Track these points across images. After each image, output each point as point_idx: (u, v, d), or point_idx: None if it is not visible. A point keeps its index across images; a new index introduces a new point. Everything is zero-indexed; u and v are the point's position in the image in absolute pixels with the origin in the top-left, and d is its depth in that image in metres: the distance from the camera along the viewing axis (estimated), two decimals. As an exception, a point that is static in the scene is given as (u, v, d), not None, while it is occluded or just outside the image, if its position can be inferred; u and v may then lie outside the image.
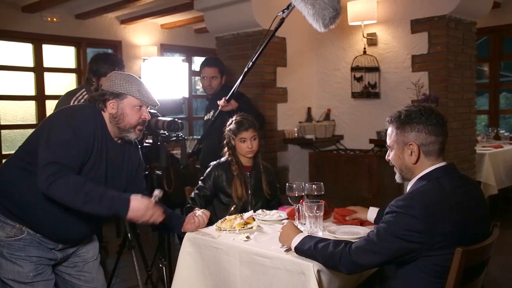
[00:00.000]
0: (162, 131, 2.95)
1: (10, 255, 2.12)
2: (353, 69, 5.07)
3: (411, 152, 1.91)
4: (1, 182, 2.16)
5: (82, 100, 3.08)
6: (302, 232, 2.07)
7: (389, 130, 2.00)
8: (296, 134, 5.28)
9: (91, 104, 2.20)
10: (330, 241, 1.89)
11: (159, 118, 2.92)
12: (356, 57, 5.05)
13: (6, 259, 2.12)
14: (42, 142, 2.03)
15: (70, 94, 3.18)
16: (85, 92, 3.14)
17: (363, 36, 4.95)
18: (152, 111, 2.57)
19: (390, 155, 2.02)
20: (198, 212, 2.43)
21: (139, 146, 2.49)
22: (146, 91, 2.21)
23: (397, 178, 2.05)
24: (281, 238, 2.09)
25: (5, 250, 2.12)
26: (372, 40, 4.98)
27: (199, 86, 8.10)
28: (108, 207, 2.00)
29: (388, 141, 2.01)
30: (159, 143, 2.99)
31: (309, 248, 1.91)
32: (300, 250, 1.96)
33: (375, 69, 4.96)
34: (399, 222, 1.78)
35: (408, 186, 1.99)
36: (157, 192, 2.17)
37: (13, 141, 6.38)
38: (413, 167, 1.93)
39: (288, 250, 2.04)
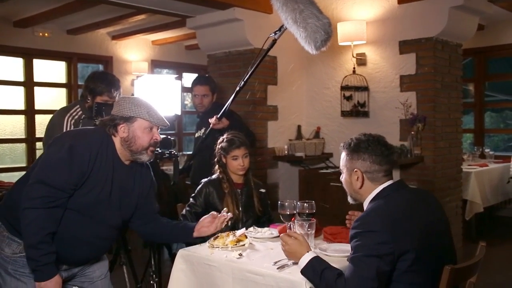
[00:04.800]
0: (155, 148, 2.97)
1: (15, 272, 2.13)
2: (343, 88, 5.14)
3: (357, 178, 2.08)
4: (10, 200, 2.19)
5: (76, 117, 3.09)
6: (308, 251, 2.04)
7: (342, 156, 2.17)
8: (286, 152, 5.32)
9: (101, 129, 2.23)
10: (334, 274, 1.89)
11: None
12: (345, 76, 5.13)
13: (11, 275, 2.13)
14: (42, 156, 2.11)
15: (64, 110, 3.19)
16: (79, 109, 3.15)
17: (353, 56, 5.04)
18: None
19: (342, 178, 2.18)
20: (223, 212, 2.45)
21: None
22: (155, 112, 2.24)
23: (349, 199, 2.21)
24: (288, 254, 2.11)
25: (10, 266, 2.14)
26: (361, 60, 5.07)
27: (188, 102, 8.15)
28: (37, 263, 2.00)
29: (340, 165, 2.19)
30: (151, 160, 3.00)
31: (315, 276, 1.93)
32: (305, 274, 1.97)
33: (364, 89, 5.05)
34: (364, 241, 1.86)
35: (364, 208, 2.11)
36: None
37: (1, 156, 6.34)
38: (360, 191, 2.10)
39: (281, 268, 2.07)
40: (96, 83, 3.13)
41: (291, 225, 2.45)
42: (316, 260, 1.99)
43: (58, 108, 3.36)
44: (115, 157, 2.21)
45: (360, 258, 1.84)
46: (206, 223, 2.43)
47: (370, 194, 2.07)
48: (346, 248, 2.34)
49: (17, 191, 2.17)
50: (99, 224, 2.20)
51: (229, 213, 2.48)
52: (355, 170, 2.08)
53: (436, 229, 1.98)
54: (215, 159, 3.11)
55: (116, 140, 2.22)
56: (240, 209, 3.01)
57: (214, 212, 2.49)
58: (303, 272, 1.98)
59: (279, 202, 2.54)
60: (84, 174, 2.09)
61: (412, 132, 4.65)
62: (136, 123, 2.20)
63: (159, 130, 2.30)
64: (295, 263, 2.12)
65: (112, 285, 2.49)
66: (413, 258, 1.83)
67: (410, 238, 1.84)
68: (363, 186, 2.07)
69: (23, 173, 2.37)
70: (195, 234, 2.43)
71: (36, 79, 6.47)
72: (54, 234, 2.05)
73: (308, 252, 2.03)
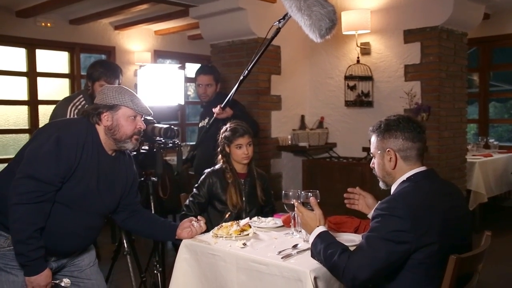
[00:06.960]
0: (158, 138, 2.97)
1: (5, 265, 2.11)
2: (347, 77, 5.12)
3: (390, 158, 2.03)
4: None
5: (80, 107, 3.08)
6: (318, 226, 2.07)
7: (372, 139, 2.13)
8: (289, 142, 5.31)
9: (85, 118, 2.21)
10: (338, 249, 1.90)
11: (155, 125, 2.93)
12: (349, 66, 5.10)
13: (1, 269, 2.11)
14: (28, 149, 2.06)
15: (68, 100, 3.18)
16: (82, 98, 3.14)
17: (357, 45, 5.01)
18: (148, 118, 2.58)
19: (374, 163, 2.13)
20: (195, 224, 2.45)
21: (135, 153, 2.49)
22: (139, 100, 2.22)
23: (381, 185, 2.16)
24: (302, 224, 2.17)
25: None
26: (365, 50, 5.04)
27: (191, 92, 8.12)
28: (26, 259, 1.99)
29: (371, 149, 2.14)
30: (155, 150, 3.00)
31: (319, 252, 1.95)
32: (312, 251, 2.01)
33: (368, 78, 5.02)
34: (385, 224, 1.85)
35: (392, 190, 2.07)
36: (66, 280, 2.22)
37: (5, 146, 6.34)
38: (393, 172, 2.05)
39: (285, 257, 2.07)
40: (94, 68, 3.12)
41: (295, 215, 2.44)
42: (325, 234, 2.01)
43: (61, 98, 3.36)
44: (100, 147, 2.19)
45: (375, 238, 1.84)
46: (185, 227, 2.43)
47: (401, 176, 2.03)
48: (350, 237, 2.33)
49: (0, 185, 2.12)
50: (87, 215, 2.19)
51: (202, 221, 2.48)
52: (387, 150, 2.03)
53: (459, 225, 1.95)
54: (218, 149, 3.10)
55: (100, 129, 2.19)
56: (244, 199, 3.01)
57: (193, 218, 2.50)
58: (312, 245, 2.01)
59: (283, 191, 2.52)
60: (71, 166, 2.06)
61: (417, 122, 4.63)
62: (120, 111, 2.18)
63: (143, 118, 2.29)
64: (300, 252, 2.13)
65: (101, 271, 2.48)
66: (434, 250, 1.82)
67: (432, 231, 1.82)
68: (396, 167, 2.02)
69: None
70: (177, 237, 2.43)
71: (39, 69, 6.45)
72: (43, 228, 2.03)
73: (319, 226, 2.06)
